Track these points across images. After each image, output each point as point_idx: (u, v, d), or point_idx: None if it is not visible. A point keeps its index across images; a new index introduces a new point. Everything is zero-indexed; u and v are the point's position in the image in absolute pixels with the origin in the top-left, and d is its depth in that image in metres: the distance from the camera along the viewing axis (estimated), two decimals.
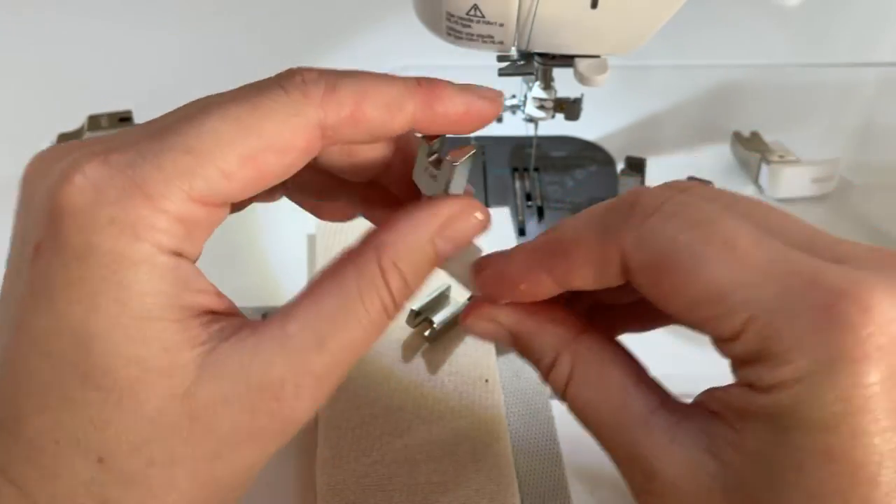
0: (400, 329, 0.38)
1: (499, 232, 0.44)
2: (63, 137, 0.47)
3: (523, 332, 0.25)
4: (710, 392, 0.22)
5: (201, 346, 0.21)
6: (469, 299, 0.28)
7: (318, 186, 0.27)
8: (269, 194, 0.28)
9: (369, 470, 0.32)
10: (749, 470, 0.21)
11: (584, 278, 0.23)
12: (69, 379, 0.20)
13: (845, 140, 0.54)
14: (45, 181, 0.21)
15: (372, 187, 0.27)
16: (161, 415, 0.20)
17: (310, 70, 0.22)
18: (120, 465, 0.20)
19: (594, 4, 0.28)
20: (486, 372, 0.36)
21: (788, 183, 0.47)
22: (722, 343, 0.21)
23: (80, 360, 0.20)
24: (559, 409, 0.37)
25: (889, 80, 0.58)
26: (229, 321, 0.21)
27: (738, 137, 0.50)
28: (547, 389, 0.37)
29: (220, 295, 0.22)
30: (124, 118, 0.48)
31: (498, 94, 0.24)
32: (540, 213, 0.47)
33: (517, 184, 0.49)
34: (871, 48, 0.62)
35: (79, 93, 0.52)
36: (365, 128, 0.22)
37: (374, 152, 0.25)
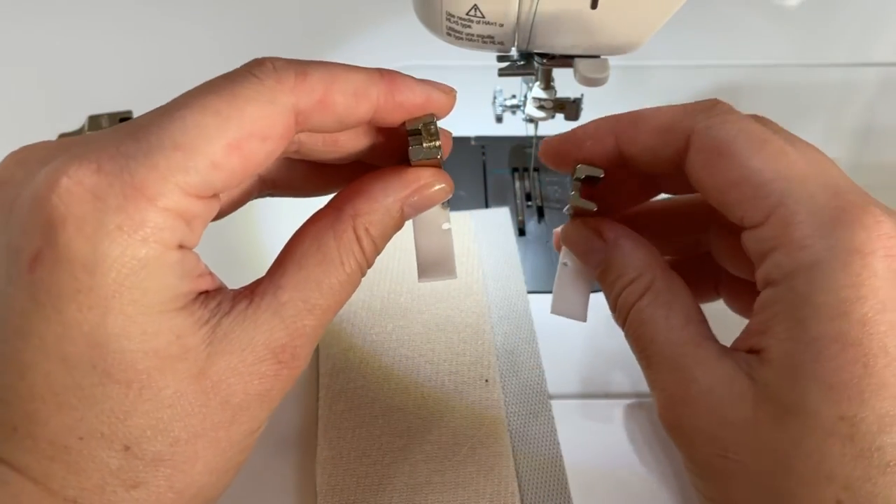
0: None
1: (499, 232, 0.44)
2: (64, 137, 0.47)
3: (619, 247, 0.29)
4: (742, 333, 0.25)
5: (205, 325, 0.22)
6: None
7: (308, 180, 0.29)
8: (258, 192, 0.30)
9: (369, 470, 0.32)
10: (775, 376, 0.23)
11: (644, 146, 0.27)
12: (88, 378, 0.20)
13: (845, 140, 0.53)
14: (27, 187, 0.21)
15: (355, 164, 0.28)
16: (180, 397, 0.21)
17: (278, 58, 0.23)
18: (145, 449, 0.21)
19: (594, 5, 0.28)
20: (486, 372, 0.36)
21: None
22: (748, 231, 0.25)
23: (98, 360, 0.20)
24: (559, 409, 0.37)
25: (889, 80, 0.58)
26: (223, 295, 0.23)
27: None
28: (547, 389, 0.37)
29: (211, 274, 0.23)
30: (124, 118, 0.48)
31: (453, 90, 0.27)
32: (540, 213, 0.47)
33: (517, 184, 0.49)
34: (871, 48, 0.62)
35: (79, 93, 0.52)
36: (333, 113, 0.24)
37: (356, 141, 0.27)
